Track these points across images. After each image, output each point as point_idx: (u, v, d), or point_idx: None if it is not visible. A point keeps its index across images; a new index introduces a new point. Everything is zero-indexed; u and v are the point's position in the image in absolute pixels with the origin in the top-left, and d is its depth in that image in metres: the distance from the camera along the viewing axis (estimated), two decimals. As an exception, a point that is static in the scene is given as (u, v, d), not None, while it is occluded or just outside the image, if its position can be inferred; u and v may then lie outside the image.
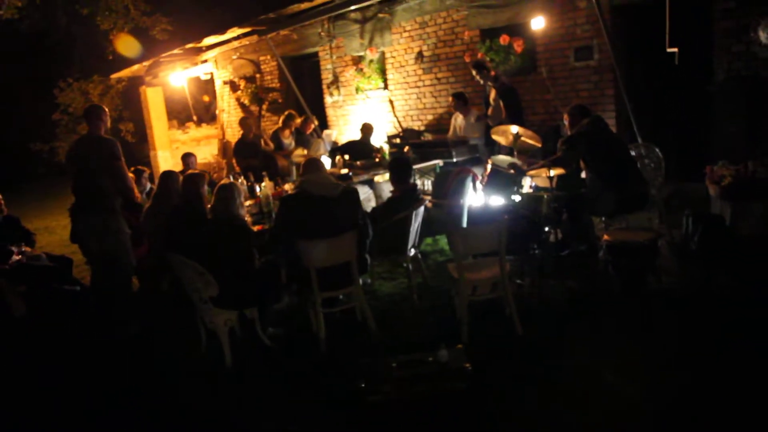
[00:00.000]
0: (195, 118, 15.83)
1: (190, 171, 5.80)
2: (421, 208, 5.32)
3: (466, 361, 3.31)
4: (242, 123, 9.40)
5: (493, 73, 7.39)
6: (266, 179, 6.76)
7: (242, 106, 13.58)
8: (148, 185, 7.61)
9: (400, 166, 5.40)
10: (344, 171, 7.33)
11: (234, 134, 14.36)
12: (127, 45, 15.36)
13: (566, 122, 5.37)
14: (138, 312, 5.60)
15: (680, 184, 6.44)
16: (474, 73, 7.57)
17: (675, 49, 5.58)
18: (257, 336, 4.74)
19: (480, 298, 4.46)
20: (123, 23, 8.52)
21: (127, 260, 5.56)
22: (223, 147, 14.27)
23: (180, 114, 18.61)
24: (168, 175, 5.83)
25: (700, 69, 6.25)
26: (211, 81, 15.00)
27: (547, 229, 5.39)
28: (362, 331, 4.76)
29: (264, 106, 10.84)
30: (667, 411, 3.19)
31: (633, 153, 5.50)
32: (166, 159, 15.67)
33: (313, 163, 4.85)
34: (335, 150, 8.56)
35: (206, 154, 15.67)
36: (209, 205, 5.03)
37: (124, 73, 16.23)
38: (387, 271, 6.12)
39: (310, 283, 4.46)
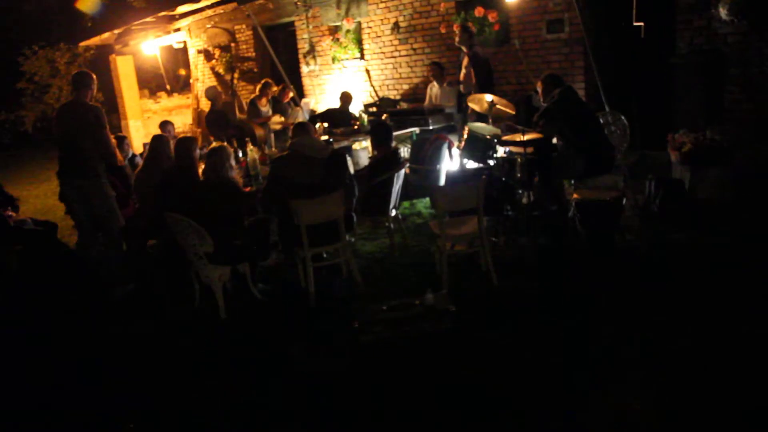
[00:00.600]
0: (168, 87, 15.75)
1: (181, 136, 5.95)
2: (402, 171, 5.61)
3: (450, 303, 3.64)
4: (208, 93, 9.41)
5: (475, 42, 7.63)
6: (249, 144, 6.96)
7: (217, 75, 13.61)
8: (130, 151, 7.75)
9: (381, 131, 5.66)
10: (324, 137, 7.56)
11: (207, 103, 14.34)
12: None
13: (539, 90, 5.67)
14: (131, 272, 5.80)
15: (643, 152, 6.83)
16: (458, 33, 7.74)
17: (641, 24, 5.90)
18: (248, 290, 5.02)
19: (458, 253, 4.78)
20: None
21: (114, 222, 5.72)
22: (198, 116, 14.29)
23: (150, 83, 18.47)
24: (158, 138, 5.99)
25: (664, 43, 6.61)
26: (184, 49, 14.94)
27: (520, 191, 5.75)
28: (347, 286, 5.08)
29: (236, 74, 10.92)
30: (615, 345, 3.56)
31: (601, 120, 5.84)
32: (137, 128, 15.60)
33: (303, 127, 5.09)
34: (314, 117, 8.76)
35: (178, 123, 15.64)
36: (201, 168, 5.23)
37: (93, 41, 16.03)
38: (367, 231, 6.40)
39: (300, 239, 4.73)
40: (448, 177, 6.30)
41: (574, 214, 5.04)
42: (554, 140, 5.73)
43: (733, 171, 5.60)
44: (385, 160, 5.52)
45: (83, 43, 16.28)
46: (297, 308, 4.80)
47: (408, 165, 6.46)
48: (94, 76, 5.73)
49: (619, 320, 3.90)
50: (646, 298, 4.17)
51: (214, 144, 5.11)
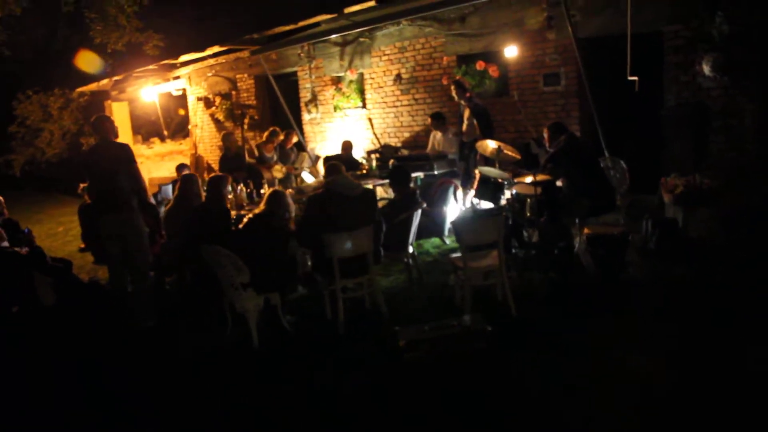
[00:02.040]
0: (166, 133, 16.13)
1: (213, 174, 6.32)
2: (419, 210, 6.04)
3: (485, 324, 4.00)
4: (225, 138, 9.81)
5: (468, 94, 8.20)
6: (265, 185, 7.37)
7: (216, 121, 14.05)
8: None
9: (401, 173, 6.10)
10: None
11: (206, 149, 14.79)
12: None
13: (546, 137, 6.18)
14: (156, 306, 6.04)
15: (636, 195, 7.36)
16: (453, 89, 8.35)
17: (635, 78, 6.50)
18: (276, 322, 5.31)
19: (475, 285, 5.17)
20: (117, 37, 8.89)
21: (145, 257, 5.98)
22: (196, 161, 14.64)
23: (141, 129, 18.82)
24: (188, 178, 6.35)
25: (654, 96, 7.22)
26: (182, 97, 15.39)
27: (527, 229, 6.20)
28: (371, 317, 5.41)
29: (246, 121, 11.39)
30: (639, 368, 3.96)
31: (602, 165, 6.36)
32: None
33: (336, 167, 5.51)
34: (324, 162, 9.20)
35: (171, 169, 15.95)
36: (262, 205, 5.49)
37: (91, 87, 16.42)
38: (381, 268, 6.74)
39: (331, 271, 5.08)
40: (466, 216, 6.70)
41: (586, 248, 5.47)
42: (558, 183, 6.22)
43: (721, 211, 6.13)
44: (405, 200, 5.95)
45: (80, 89, 16.63)
46: (326, 337, 5.11)
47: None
48: (113, 117, 6.06)
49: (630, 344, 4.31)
50: (649, 325, 4.60)
51: (277, 188, 5.47)
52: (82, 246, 8.41)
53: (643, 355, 4.08)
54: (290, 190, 7.49)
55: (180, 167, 8.81)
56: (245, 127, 10.86)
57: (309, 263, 6.08)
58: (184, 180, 6.31)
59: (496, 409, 3.55)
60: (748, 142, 6.58)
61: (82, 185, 8.47)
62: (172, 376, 4.78)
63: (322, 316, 5.42)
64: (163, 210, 6.91)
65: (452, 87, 8.50)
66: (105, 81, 15.73)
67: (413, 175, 8.44)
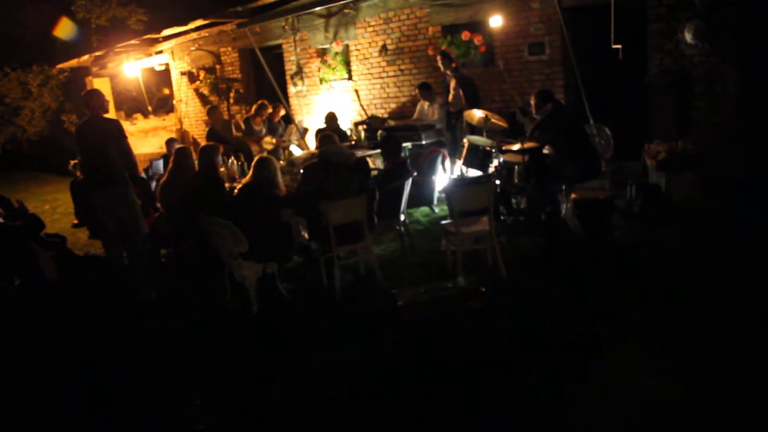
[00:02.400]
0: (150, 108, 16.02)
1: (204, 145, 6.39)
2: (410, 179, 6.16)
3: (479, 285, 4.17)
4: (211, 112, 9.79)
5: (454, 64, 8.27)
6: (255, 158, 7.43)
7: (201, 96, 13.98)
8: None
9: (392, 143, 6.22)
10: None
11: (191, 124, 14.74)
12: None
13: (532, 104, 6.31)
14: (155, 278, 6.15)
15: (620, 161, 7.53)
16: (439, 59, 8.43)
17: (619, 46, 6.62)
18: (273, 291, 5.45)
19: (465, 250, 5.33)
20: (99, 12, 8.80)
21: (140, 230, 6.06)
22: (181, 137, 14.59)
23: (122, 105, 18.68)
24: (182, 151, 6.41)
25: (638, 64, 7.35)
26: (165, 72, 15.26)
27: (512, 198, 6.37)
28: (366, 283, 5.56)
29: (232, 94, 11.35)
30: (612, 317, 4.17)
31: (587, 132, 6.51)
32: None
33: (329, 137, 5.61)
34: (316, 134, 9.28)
35: (155, 145, 15.87)
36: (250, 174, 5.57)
37: (71, 63, 16.22)
38: (375, 237, 6.88)
39: (327, 239, 5.21)
40: (456, 183, 6.82)
41: (573, 213, 5.64)
42: (545, 150, 6.37)
43: (702, 176, 6.33)
44: (396, 169, 6.07)
45: (60, 65, 16.42)
46: (324, 302, 5.27)
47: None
48: (102, 93, 6.07)
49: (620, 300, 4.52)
50: (634, 284, 4.83)
51: (263, 155, 5.53)
52: (75, 222, 8.45)
53: (631, 311, 4.29)
54: (281, 161, 7.58)
55: (170, 141, 8.82)
56: (231, 101, 10.84)
57: (302, 232, 6.22)
58: (178, 153, 6.37)
59: (491, 363, 3.74)
60: (729, 107, 6.75)
61: (72, 162, 8.49)
62: (177, 341, 4.92)
63: (318, 283, 5.57)
64: (154, 184, 6.97)
65: (438, 58, 8.59)
66: (86, 57, 15.55)
67: (403, 145, 8.58)
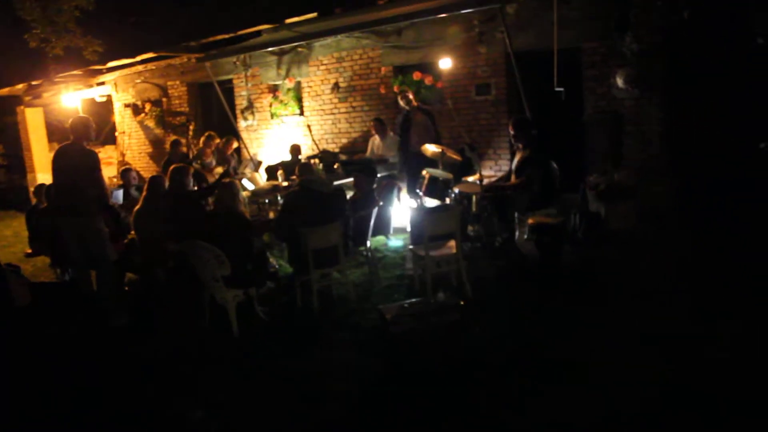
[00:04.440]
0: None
1: (174, 165, 6.60)
2: (376, 208, 6.59)
3: (457, 300, 4.61)
4: (173, 145, 9.91)
5: (415, 103, 8.81)
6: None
7: (146, 128, 13.99)
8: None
9: (366, 173, 6.65)
10: (285, 184, 8.42)
11: (134, 156, 14.66)
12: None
13: (512, 133, 6.68)
14: (125, 303, 6.25)
15: (561, 193, 8.22)
16: (401, 101, 8.93)
17: (561, 89, 7.35)
18: (251, 313, 5.70)
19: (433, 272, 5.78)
20: (56, 40, 8.82)
21: (108, 257, 6.15)
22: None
23: (53, 136, 18.25)
24: (154, 179, 6.59)
25: (573, 105, 8.12)
26: (107, 103, 15.13)
27: (469, 225, 6.90)
28: (340, 304, 5.90)
29: (191, 126, 11.49)
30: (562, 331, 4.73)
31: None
32: (45, 181, 15.47)
33: (308, 166, 5.97)
34: (274, 167, 9.57)
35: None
36: (212, 201, 5.89)
37: (2, 91, 15.82)
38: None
39: (306, 263, 5.54)
40: (425, 210, 7.25)
41: (528, 237, 6.20)
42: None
43: (636, 205, 7.08)
44: (365, 198, 6.49)
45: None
46: (303, 322, 5.56)
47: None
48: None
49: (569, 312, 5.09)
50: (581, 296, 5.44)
51: (225, 179, 5.80)
52: (29, 251, 8.34)
53: (584, 317, 4.87)
54: (246, 192, 7.84)
55: (125, 171, 8.91)
56: (190, 134, 11.02)
57: (270, 259, 6.50)
58: (152, 180, 6.55)
59: (472, 366, 4.20)
60: (654, 144, 7.59)
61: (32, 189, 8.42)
62: (160, 362, 5.07)
63: (292, 305, 5.86)
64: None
65: (399, 98, 9.05)
66: (19, 86, 15.23)
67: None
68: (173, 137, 11.03)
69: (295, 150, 9.96)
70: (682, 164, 7.14)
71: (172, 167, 6.32)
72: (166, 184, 6.49)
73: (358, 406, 3.97)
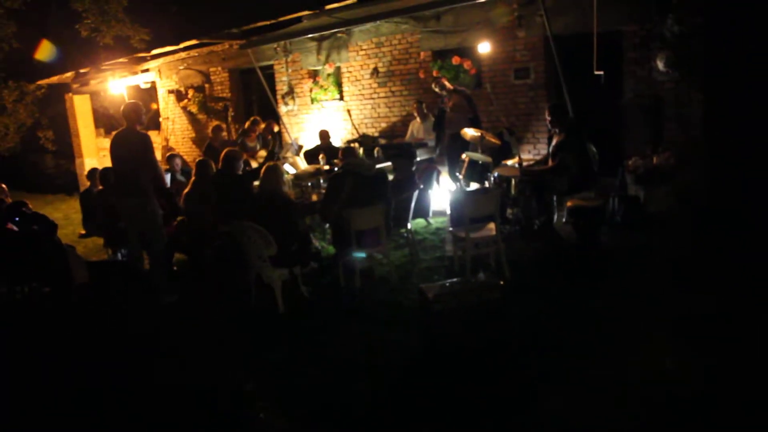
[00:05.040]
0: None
1: (228, 149, 6.86)
2: (417, 191, 6.75)
3: (498, 279, 4.75)
4: (215, 131, 10.21)
5: (450, 86, 8.90)
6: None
7: (189, 114, 14.36)
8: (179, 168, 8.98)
9: (406, 157, 6.80)
10: (326, 167, 8.63)
11: (177, 141, 15.08)
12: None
13: (547, 118, 6.84)
14: (176, 282, 6.55)
15: (599, 177, 8.25)
16: (434, 85, 9.05)
17: (601, 72, 7.35)
18: (298, 291, 5.93)
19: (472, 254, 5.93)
20: (107, 29, 9.15)
21: (160, 238, 6.45)
22: (166, 153, 14.87)
23: (99, 122, 18.80)
24: (202, 163, 6.86)
25: (614, 88, 8.11)
26: (151, 89, 15.57)
27: (508, 209, 7.00)
28: (380, 285, 6.09)
29: (231, 113, 11.80)
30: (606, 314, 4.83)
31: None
32: (93, 166, 16.00)
33: (351, 150, 6.16)
34: (313, 152, 9.79)
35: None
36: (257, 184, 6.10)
37: (52, 80, 16.37)
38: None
39: (349, 243, 5.73)
40: (465, 193, 7.38)
41: (566, 220, 6.29)
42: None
43: (675, 188, 7.08)
44: (406, 182, 6.65)
45: (42, 82, 16.53)
46: (345, 302, 5.78)
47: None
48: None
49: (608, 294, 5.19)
50: (621, 280, 5.52)
51: (269, 163, 6.03)
52: (82, 232, 8.74)
53: (622, 299, 4.99)
54: (288, 175, 8.06)
55: (171, 157, 9.25)
56: (230, 119, 11.31)
57: (314, 240, 6.72)
58: (200, 164, 6.82)
59: (513, 344, 4.36)
60: (695, 127, 7.55)
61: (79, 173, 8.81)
62: (210, 337, 5.35)
63: (335, 285, 6.08)
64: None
65: (433, 84, 9.16)
66: (68, 74, 15.75)
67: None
68: (215, 122, 11.32)
69: (324, 135, 10.12)
70: (720, 149, 7.10)
71: (225, 150, 6.55)
72: (213, 168, 6.75)
73: (396, 380, 4.20)
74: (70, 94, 17.39)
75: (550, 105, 6.94)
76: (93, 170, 8.66)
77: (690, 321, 4.55)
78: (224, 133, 10.06)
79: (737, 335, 4.31)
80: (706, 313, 4.63)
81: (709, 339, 4.27)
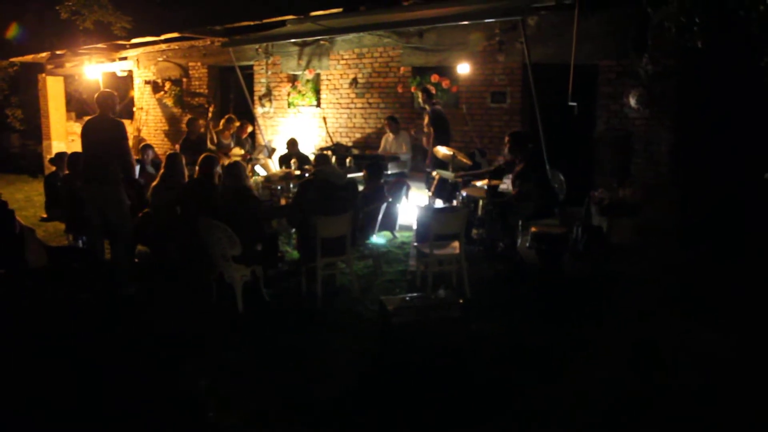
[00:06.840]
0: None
1: (206, 153, 6.80)
2: (385, 204, 6.79)
3: (458, 297, 4.80)
4: (190, 124, 10.14)
5: (435, 101, 8.99)
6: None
7: (164, 106, 14.20)
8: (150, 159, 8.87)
9: (376, 170, 6.84)
10: (297, 173, 8.62)
11: (150, 132, 14.88)
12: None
13: (506, 144, 6.94)
14: (135, 275, 6.46)
15: (567, 207, 8.40)
16: (420, 95, 9.13)
17: (575, 103, 7.51)
18: (259, 293, 5.90)
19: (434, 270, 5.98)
20: (88, 13, 9.01)
21: (126, 228, 6.37)
22: (138, 143, 14.67)
23: (70, 105, 18.46)
24: (174, 156, 6.80)
25: (586, 120, 8.30)
26: (126, 78, 15.35)
27: (473, 229, 7.09)
28: (342, 294, 6.10)
29: (211, 108, 11.69)
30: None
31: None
32: (60, 149, 15.69)
33: (324, 157, 6.18)
34: (287, 157, 9.77)
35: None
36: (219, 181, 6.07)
37: (26, 58, 16.05)
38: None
39: (314, 250, 5.73)
40: (432, 210, 7.44)
41: (530, 244, 6.39)
42: (502, 186, 7.12)
43: (638, 221, 7.25)
44: (375, 193, 6.68)
45: (13, 59, 16.19)
46: (305, 307, 5.77)
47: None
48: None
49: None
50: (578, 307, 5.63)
51: (233, 159, 6.01)
52: (44, 216, 8.56)
53: (578, 325, 5.07)
54: (259, 177, 8.04)
55: (144, 147, 9.14)
56: (209, 115, 11.24)
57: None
58: (170, 158, 6.76)
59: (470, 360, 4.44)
60: (662, 164, 7.77)
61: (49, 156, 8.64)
62: (165, 332, 5.28)
63: (296, 290, 6.07)
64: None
65: (419, 93, 9.24)
66: (44, 54, 15.46)
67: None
68: (189, 116, 11.22)
69: (292, 143, 10.07)
70: (687, 186, 7.31)
71: (203, 156, 6.49)
72: (184, 162, 6.70)
73: (353, 386, 4.23)
74: (44, 75, 17.04)
75: (510, 133, 7.03)
76: (61, 154, 8.50)
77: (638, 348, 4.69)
78: (201, 128, 9.97)
79: (685, 363, 4.44)
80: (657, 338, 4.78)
81: (658, 367, 4.40)
